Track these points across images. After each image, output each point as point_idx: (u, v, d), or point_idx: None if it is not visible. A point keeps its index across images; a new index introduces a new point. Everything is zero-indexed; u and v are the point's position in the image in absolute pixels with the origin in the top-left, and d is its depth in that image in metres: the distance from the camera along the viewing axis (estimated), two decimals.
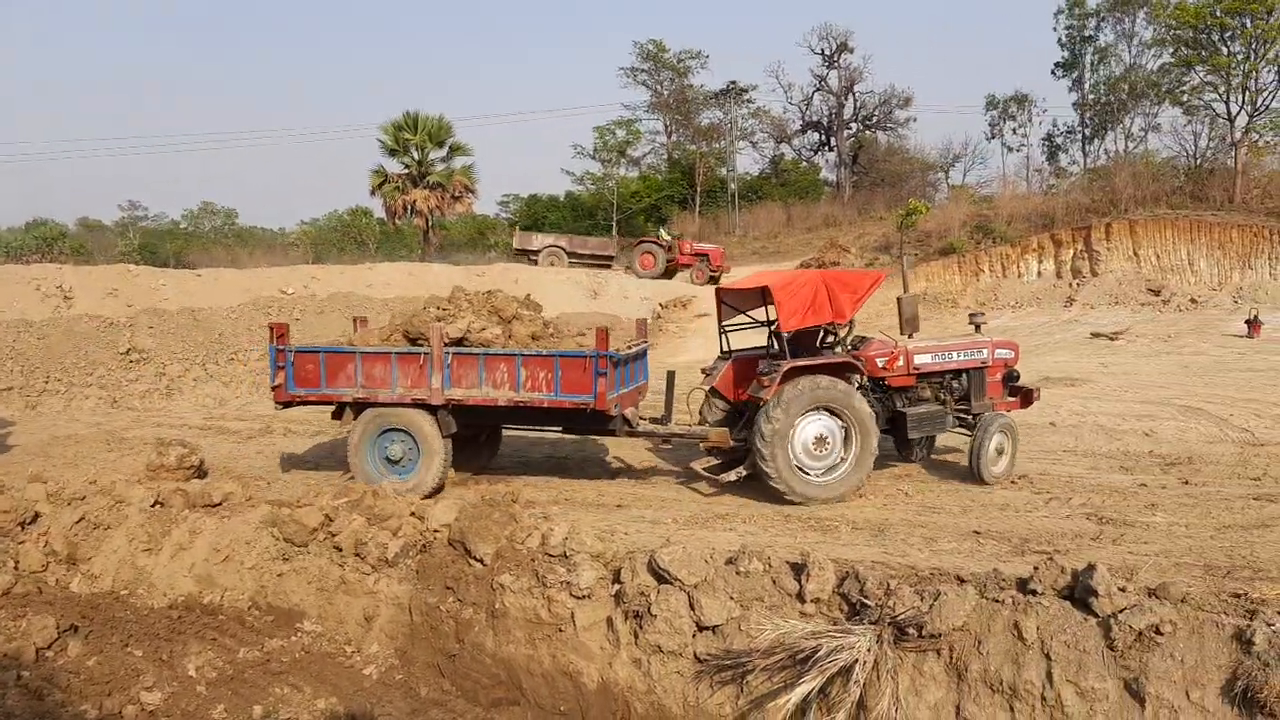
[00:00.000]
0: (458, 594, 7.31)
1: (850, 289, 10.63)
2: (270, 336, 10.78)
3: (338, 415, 11.05)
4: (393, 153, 39.85)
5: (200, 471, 11.12)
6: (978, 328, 12.08)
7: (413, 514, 8.16)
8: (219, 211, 69.60)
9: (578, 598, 6.87)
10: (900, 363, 10.89)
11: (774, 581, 6.49)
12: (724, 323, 11.81)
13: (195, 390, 20.00)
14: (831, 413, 10.13)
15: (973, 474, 10.54)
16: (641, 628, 6.53)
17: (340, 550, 7.96)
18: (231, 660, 7.06)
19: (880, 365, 10.79)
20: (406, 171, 39.94)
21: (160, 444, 11.31)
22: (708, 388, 11.33)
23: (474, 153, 47.29)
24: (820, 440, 10.09)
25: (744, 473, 10.34)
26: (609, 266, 37.57)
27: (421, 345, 10.56)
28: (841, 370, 10.36)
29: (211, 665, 6.95)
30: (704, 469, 10.90)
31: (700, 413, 11.45)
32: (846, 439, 10.16)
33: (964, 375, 11.33)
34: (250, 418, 17.10)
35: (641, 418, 11.22)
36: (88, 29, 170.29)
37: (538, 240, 38.54)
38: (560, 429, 11.47)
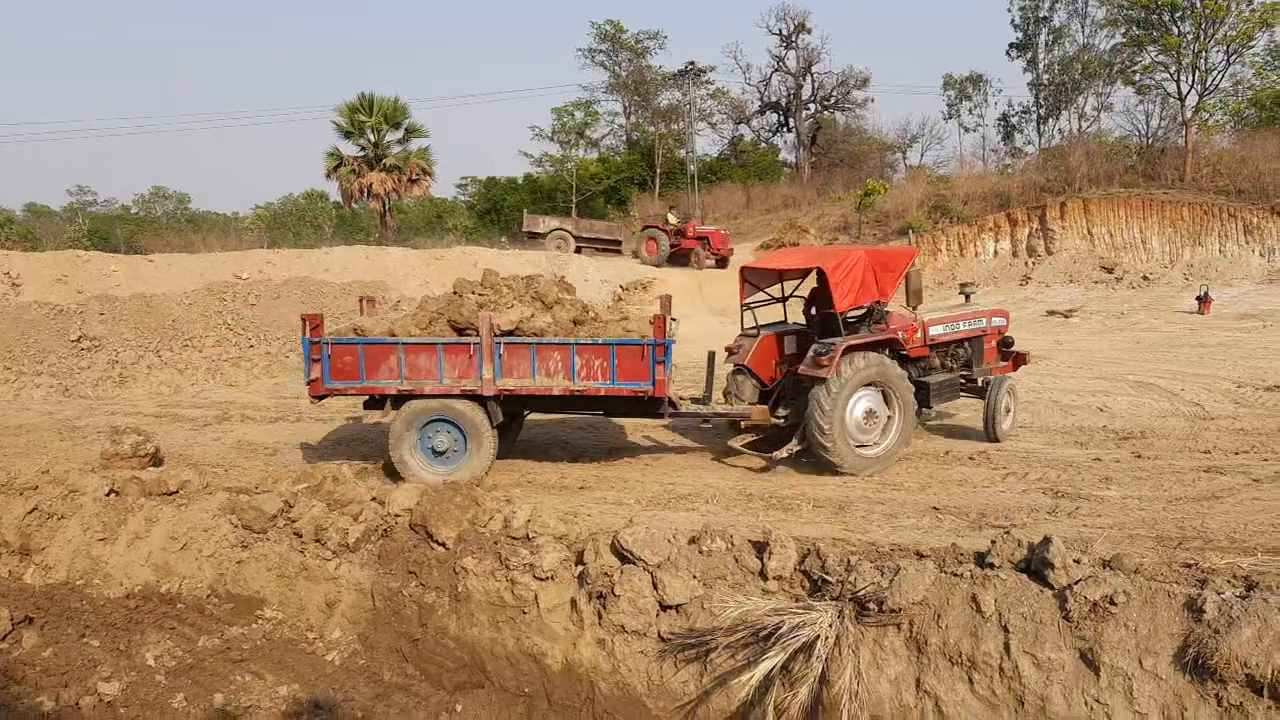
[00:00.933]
0: (420, 578, 7.27)
1: (890, 269, 11.03)
2: (303, 328, 10.32)
3: (374, 406, 10.59)
4: (348, 135, 39.35)
5: (156, 459, 10.96)
6: (968, 298, 12.51)
7: (374, 499, 8.10)
8: (171, 196, 68.56)
9: (541, 579, 6.87)
10: (918, 335, 11.44)
11: (736, 560, 6.52)
12: (746, 300, 12.08)
13: (149, 378, 19.69)
14: (876, 387, 10.54)
15: (988, 434, 11.44)
16: (605, 608, 6.54)
17: (300, 536, 7.89)
18: (191, 649, 6.98)
19: (901, 338, 11.19)
20: (362, 154, 39.49)
21: (114, 432, 11.12)
22: (734, 365, 11.59)
23: (430, 135, 46.77)
24: (869, 414, 10.49)
25: (795, 448, 10.53)
26: (618, 252, 37.13)
27: (469, 335, 10.28)
28: (885, 346, 10.92)
29: (170, 654, 6.87)
30: (743, 445, 11.03)
31: (725, 391, 11.64)
32: (889, 412, 10.63)
33: (967, 344, 12.12)
34: (206, 405, 16.88)
35: (682, 397, 11.40)
36: (31, 9, 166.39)
37: (544, 223, 37.90)
38: (602, 412, 11.31)
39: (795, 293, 12.39)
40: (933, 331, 11.61)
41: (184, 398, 18.13)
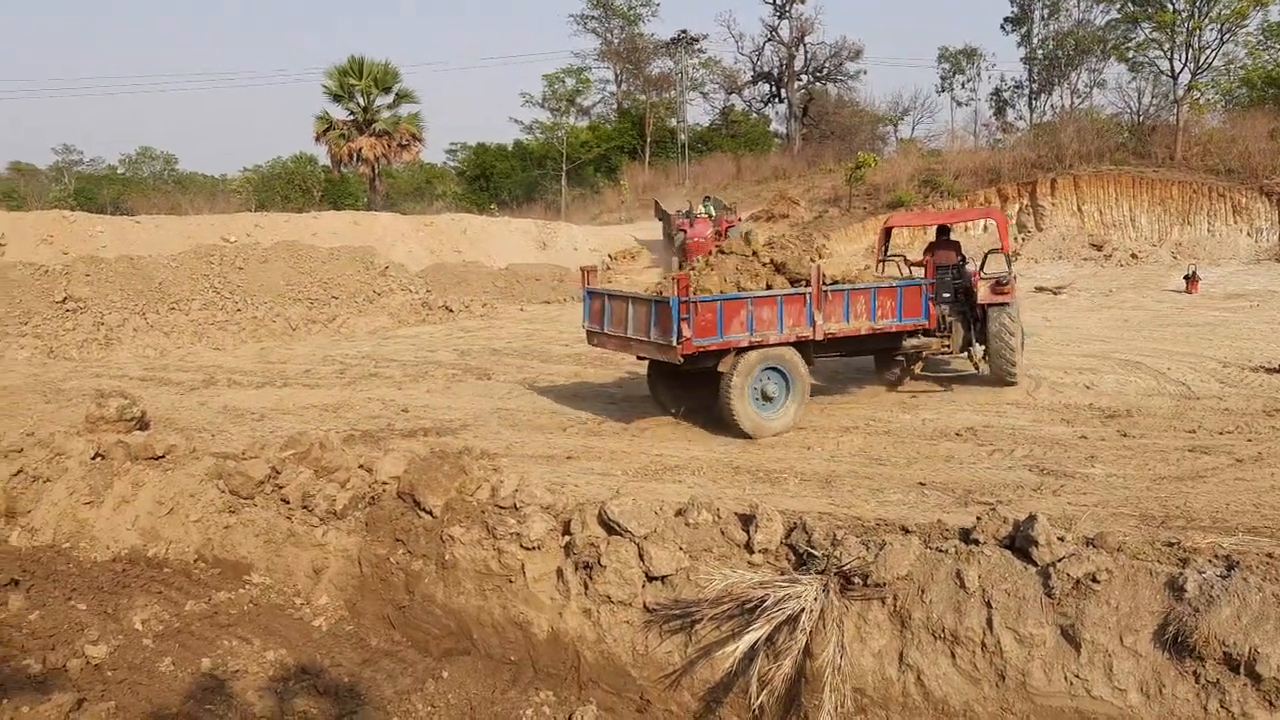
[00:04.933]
0: (407, 546, 7.29)
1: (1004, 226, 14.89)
2: (674, 288, 10.64)
3: (694, 361, 10.86)
4: (338, 99, 39.08)
5: (142, 423, 10.91)
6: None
7: (361, 466, 8.10)
8: (158, 157, 67.87)
9: (528, 549, 6.88)
10: None
11: (723, 533, 6.55)
12: (884, 256, 14.25)
13: (135, 340, 19.60)
14: None
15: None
16: (591, 578, 6.57)
17: (288, 503, 7.89)
18: (178, 613, 7.00)
19: None
20: (352, 118, 39.24)
21: (100, 395, 11.06)
22: None
23: (420, 100, 46.39)
24: None
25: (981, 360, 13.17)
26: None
27: (799, 285, 11.33)
28: None
29: (158, 618, 6.88)
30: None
31: None
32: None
33: None
34: (192, 369, 16.82)
35: None
36: None
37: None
38: (871, 353, 13.34)
39: (888, 255, 14.43)
40: None
41: (170, 361, 18.06)
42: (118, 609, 6.97)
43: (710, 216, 30.88)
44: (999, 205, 36.22)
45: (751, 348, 10.96)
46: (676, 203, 33.50)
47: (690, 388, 12.10)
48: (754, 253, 11.69)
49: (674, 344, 10.53)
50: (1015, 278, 13.51)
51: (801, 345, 11.36)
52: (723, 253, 11.90)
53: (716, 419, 11.48)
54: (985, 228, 32.05)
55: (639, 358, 12.35)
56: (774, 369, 11.15)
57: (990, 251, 14.71)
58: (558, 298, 29.21)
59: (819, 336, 11.38)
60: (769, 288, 11.29)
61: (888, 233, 14.94)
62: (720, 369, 10.90)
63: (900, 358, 13.29)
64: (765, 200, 41.56)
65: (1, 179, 45.92)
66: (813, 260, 11.84)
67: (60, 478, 8.60)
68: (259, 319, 22.02)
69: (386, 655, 6.68)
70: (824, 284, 11.33)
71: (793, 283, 11.38)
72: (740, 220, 31.71)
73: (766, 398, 11.13)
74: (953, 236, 14.49)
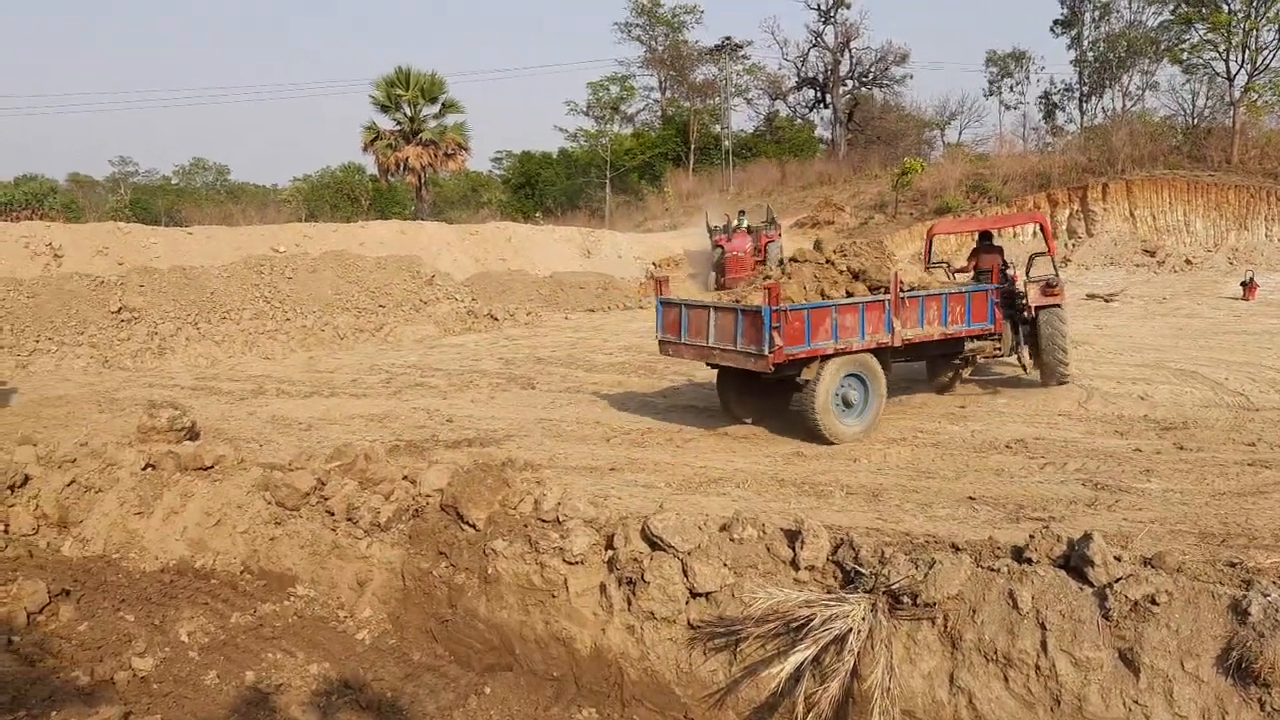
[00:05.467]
0: (450, 559, 7.27)
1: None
2: (767, 297, 10.71)
3: (784, 370, 10.96)
4: (385, 109, 39.48)
5: (192, 434, 11.04)
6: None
7: (405, 478, 8.10)
8: (210, 167, 69.19)
9: (570, 563, 6.83)
10: None
11: (768, 549, 6.45)
12: (930, 262, 14.54)
13: (187, 349, 19.91)
14: None
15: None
16: (635, 594, 6.50)
17: (333, 514, 7.91)
18: (224, 625, 7.03)
19: None
20: (399, 128, 39.61)
21: (151, 406, 11.20)
22: None
23: (466, 110, 46.69)
24: None
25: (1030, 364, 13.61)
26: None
27: (879, 293, 11.55)
28: None
29: (204, 630, 6.92)
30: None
31: None
32: None
33: None
34: (242, 378, 17.03)
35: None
36: None
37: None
38: (937, 357, 13.49)
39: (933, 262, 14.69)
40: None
41: (221, 370, 18.31)
42: (165, 620, 7.02)
43: (750, 230, 29.90)
44: (1048, 211, 35.72)
45: (836, 355, 11.09)
46: (720, 216, 32.20)
47: (762, 396, 12.31)
48: (828, 260, 11.87)
49: (765, 353, 10.55)
50: (1062, 281, 13.87)
51: (879, 351, 11.53)
52: (795, 261, 12.10)
53: (786, 426, 11.59)
54: (1034, 233, 31.58)
55: (710, 365, 12.25)
56: (854, 375, 11.31)
57: (1034, 255, 14.82)
58: (602, 305, 29.22)
59: (897, 342, 11.57)
60: (848, 295, 11.44)
61: (932, 239, 15.40)
62: (804, 377, 11.01)
63: (956, 362, 13.48)
64: (810, 206, 41.32)
65: (60, 190, 46.91)
66: (888, 267, 12.02)
67: (112, 488, 8.69)
68: (308, 328, 22.26)
69: (429, 670, 6.66)
70: (901, 291, 11.49)
71: (872, 290, 11.57)
72: (780, 234, 30.70)
73: (847, 404, 11.29)
74: (995, 241, 14.67)
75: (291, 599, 7.50)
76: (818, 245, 12.38)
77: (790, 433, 11.58)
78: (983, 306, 12.62)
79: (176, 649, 6.66)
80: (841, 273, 11.68)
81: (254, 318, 22.05)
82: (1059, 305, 13.33)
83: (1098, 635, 5.24)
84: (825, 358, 11.01)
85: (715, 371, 12.43)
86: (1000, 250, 14.20)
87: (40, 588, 7.15)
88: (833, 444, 10.91)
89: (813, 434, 11.04)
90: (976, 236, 15.18)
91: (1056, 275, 13.68)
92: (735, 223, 30.22)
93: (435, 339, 23.16)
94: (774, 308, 10.50)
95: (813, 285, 11.34)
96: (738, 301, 11.57)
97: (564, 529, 7.01)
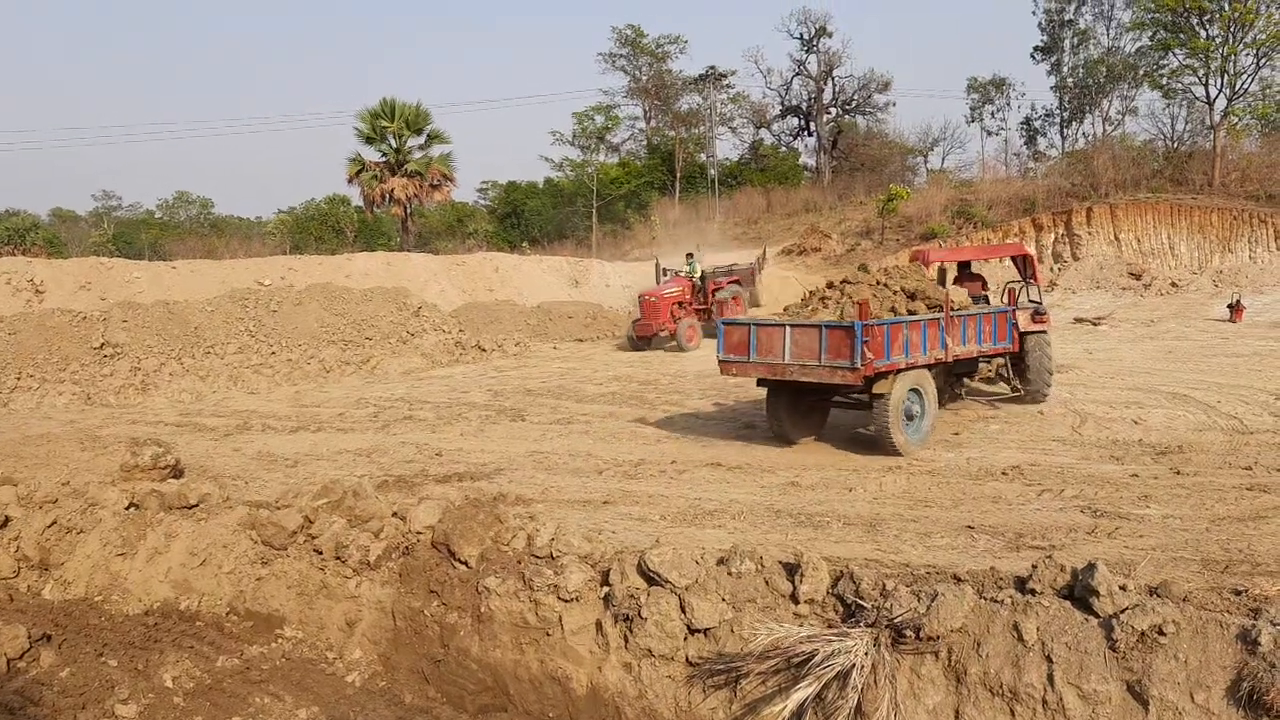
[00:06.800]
0: (442, 598, 7.12)
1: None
2: (859, 313, 11.30)
3: (859, 387, 11.57)
4: (370, 141, 39.49)
5: (176, 471, 10.87)
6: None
7: (395, 515, 7.95)
8: (194, 200, 69.00)
9: (565, 600, 6.69)
10: None
11: (767, 582, 6.33)
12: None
13: (171, 385, 19.70)
14: None
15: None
16: (631, 631, 6.36)
17: (321, 553, 7.74)
18: (210, 669, 6.85)
19: None
20: (384, 160, 39.61)
21: (134, 443, 11.04)
22: None
23: (452, 140, 46.78)
24: None
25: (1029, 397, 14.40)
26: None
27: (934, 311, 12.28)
28: None
29: (189, 675, 6.73)
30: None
31: None
32: None
33: None
34: (227, 414, 16.83)
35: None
36: (59, 14, 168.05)
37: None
38: (963, 374, 14.24)
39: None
40: None
41: (205, 406, 18.11)
42: (149, 665, 6.83)
43: (703, 276, 27.93)
44: (1034, 235, 35.90)
45: (906, 369, 11.64)
46: (677, 261, 29.70)
47: (810, 414, 12.91)
48: (880, 282, 12.60)
49: (857, 366, 10.99)
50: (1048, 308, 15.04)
51: (930, 367, 12.23)
52: (848, 283, 12.81)
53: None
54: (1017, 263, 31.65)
55: (760, 382, 12.62)
56: (914, 390, 11.85)
57: (1008, 284, 15.56)
58: (591, 335, 29.11)
59: (949, 358, 12.40)
60: (910, 314, 12.05)
61: (929, 264, 15.44)
62: (878, 390, 11.46)
63: (965, 379, 14.42)
64: (797, 234, 41.43)
65: (43, 226, 46.68)
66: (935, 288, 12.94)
67: (94, 529, 8.51)
68: (293, 361, 22.08)
69: (421, 712, 6.50)
70: (951, 310, 12.31)
71: (929, 309, 12.26)
72: (759, 268, 29.63)
73: (909, 417, 11.82)
74: (974, 269, 15.47)
75: (279, 641, 7.32)
76: (863, 268, 12.84)
77: (779, 463, 11.48)
78: (1004, 327, 13.55)
79: (161, 695, 6.47)
80: (895, 293, 12.33)
81: (238, 352, 21.85)
82: (1045, 331, 14.31)
83: (1105, 667, 5.13)
84: (897, 372, 11.50)
85: (748, 393, 13.47)
86: (981, 277, 15.01)
87: (21, 632, 6.96)
88: (900, 455, 11.47)
89: (882, 447, 11.60)
90: (956, 264, 15.62)
91: (1041, 303, 14.69)
92: (688, 267, 28.17)
93: (423, 371, 23.01)
94: (865, 322, 11.02)
95: (874, 305, 11.84)
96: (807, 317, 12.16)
97: (558, 565, 6.87)
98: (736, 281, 28.21)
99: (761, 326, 12.05)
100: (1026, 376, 14.35)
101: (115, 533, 8.37)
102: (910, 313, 12.07)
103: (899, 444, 11.50)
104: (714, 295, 27.12)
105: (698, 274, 27.88)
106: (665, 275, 28.19)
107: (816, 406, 12.93)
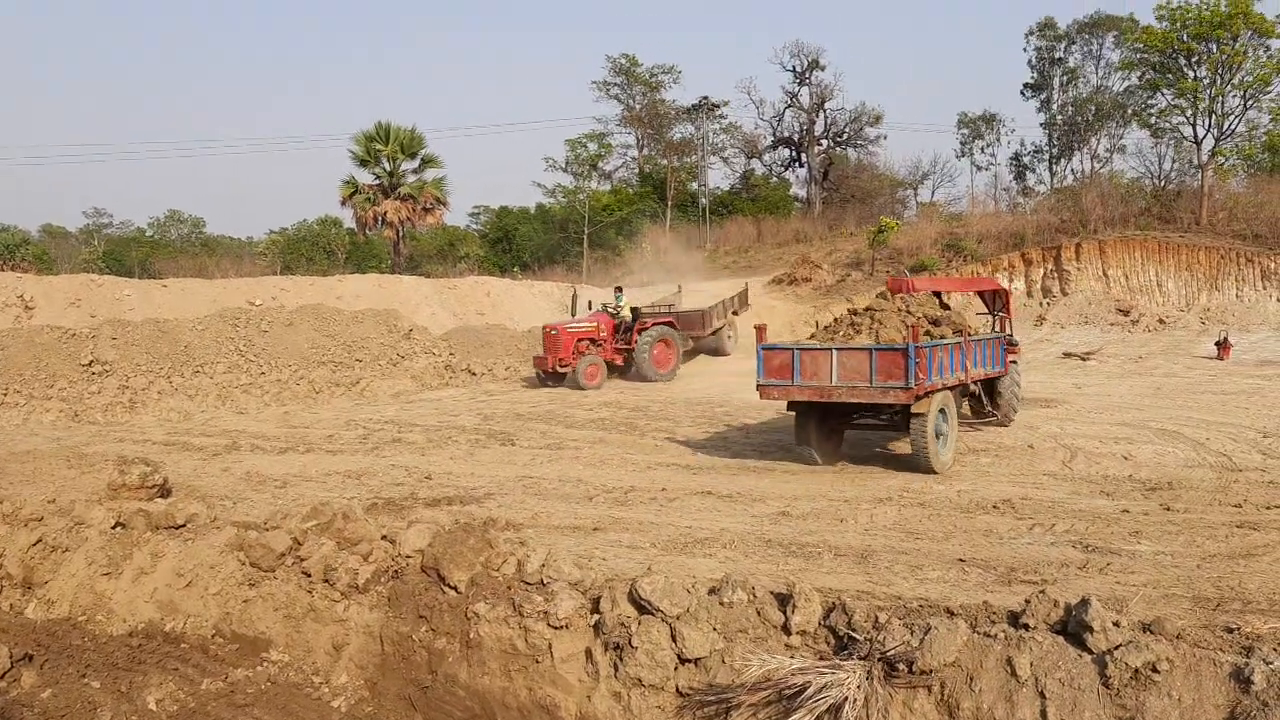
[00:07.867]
0: (431, 623, 7.05)
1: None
2: (911, 334, 11.97)
3: (896, 408, 12.29)
4: (364, 163, 39.56)
5: (164, 490, 10.78)
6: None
7: (384, 538, 7.89)
8: (186, 220, 68.89)
9: (555, 628, 6.64)
10: None
11: (758, 613, 6.29)
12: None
13: (159, 404, 19.59)
14: None
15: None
16: (621, 659, 6.31)
17: (309, 576, 7.67)
18: (194, 692, 6.76)
19: None
20: (377, 183, 39.67)
21: (122, 462, 10.96)
22: None
23: (445, 165, 46.88)
24: None
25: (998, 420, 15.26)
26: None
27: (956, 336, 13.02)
28: None
29: (173, 698, 6.65)
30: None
31: None
32: None
33: None
34: (215, 433, 16.74)
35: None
36: (53, 31, 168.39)
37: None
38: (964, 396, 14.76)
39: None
40: None
41: (194, 425, 18.00)
42: (132, 687, 6.74)
43: (632, 312, 26.20)
44: (1023, 269, 36.15)
45: (942, 389, 12.29)
46: (602, 297, 29.03)
47: (832, 436, 13.36)
48: (904, 309, 13.08)
49: (910, 386, 11.56)
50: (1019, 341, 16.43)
51: (953, 387, 12.95)
52: (872, 310, 13.35)
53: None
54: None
55: (790, 405, 13.08)
56: (942, 410, 12.35)
57: (978, 313, 16.93)
58: None
59: (969, 380, 13.38)
60: (939, 339, 12.63)
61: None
62: (917, 410, 11.92)
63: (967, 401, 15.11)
64: (787, 263, 41.57)
65: (33, 242, 46.52)
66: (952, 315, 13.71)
67: (79, 547, 8.42)
68: (283, 382, 22.00)
69: None
70: (969, 335, 13.22)
71: (955, 333, 13.00)
72: (737, 309, 28.83)
73: (938, 435, 12.25)
74: (944, 300, 15.83)
75: (265, 664, 7.23)
76: (883, 295, 13.96)
77: (770, 492, 11.45)
78: (998, 352, 14.58)
79: (144, 718, 6.39)
80: (919, 319, 12.76)
81: (228, 371, 21.78)
82: (1016, 361, 15.63)
83: (1099, 704, 5.11)
84: (933, 392, 12.02)
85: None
86: (949, 308, 15.24)
87: (2, 652, 6.86)
88: (936, 472, 12.02)
89: (919, 465, 12.13)
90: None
91: (1013, 335, 16.20)
92: (615, 302, 26.73)
93: (412, 394, 22.95)
94: (917, 344, 11.62)
95: (902, 330, 12.45)
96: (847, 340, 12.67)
97: (548, 592, 6.82)
98: (669, 323, 26.25)
99: (805, 350, 12.44)
100: (997, 401, 15.18)
101: (101, 552, 8.29)
102: (934, 338, 12.54)
103: (935, 460, 12.01)
104: (637, 335, 25.22)
105: (625, 310, 26.13)
106: (590, 308, 26.71)
107: (837, 430, 13.40)
